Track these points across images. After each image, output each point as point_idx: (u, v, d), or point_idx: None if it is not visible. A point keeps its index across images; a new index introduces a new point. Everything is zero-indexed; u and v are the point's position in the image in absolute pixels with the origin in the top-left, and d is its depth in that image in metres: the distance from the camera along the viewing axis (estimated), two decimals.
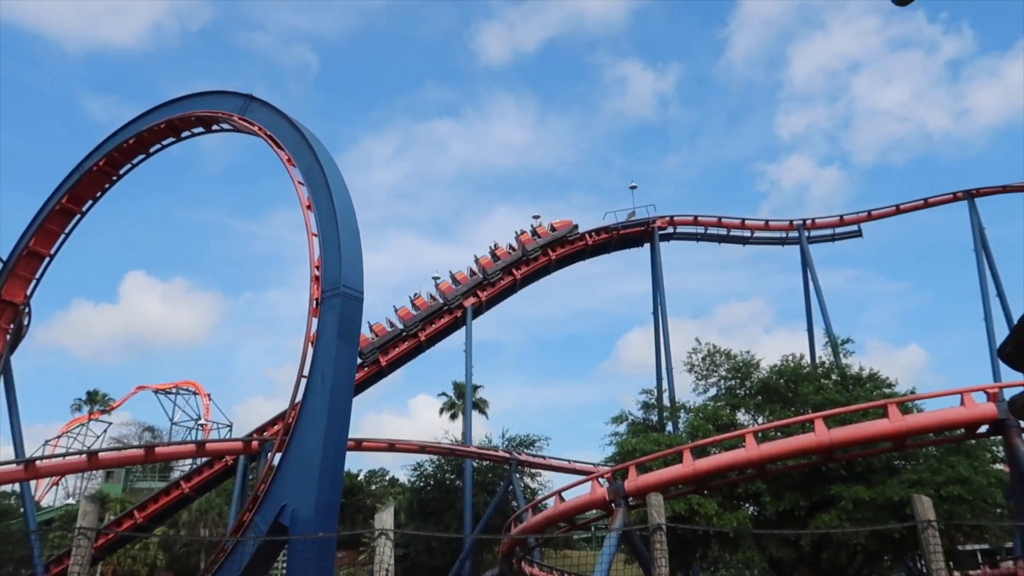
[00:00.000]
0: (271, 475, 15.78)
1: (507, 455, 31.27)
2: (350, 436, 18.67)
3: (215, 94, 23.15)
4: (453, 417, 60.65)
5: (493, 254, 35.77)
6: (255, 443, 25.35)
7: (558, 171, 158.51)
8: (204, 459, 28.73)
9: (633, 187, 38.82)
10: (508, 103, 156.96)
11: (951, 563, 19.78)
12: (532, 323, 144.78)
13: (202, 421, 56.78)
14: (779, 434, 16.80)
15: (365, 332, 32.79)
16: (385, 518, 5.66)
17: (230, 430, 56.99)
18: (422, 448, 30.36)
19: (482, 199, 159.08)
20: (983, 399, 13.65)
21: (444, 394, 59.52)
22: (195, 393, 59.58)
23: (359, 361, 32.26)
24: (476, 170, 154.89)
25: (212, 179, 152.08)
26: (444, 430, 46.74)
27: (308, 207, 17.96)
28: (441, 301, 34.08)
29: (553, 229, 36.58)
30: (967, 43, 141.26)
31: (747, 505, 19.40)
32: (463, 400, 58.88)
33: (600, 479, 16.46)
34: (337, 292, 15.82)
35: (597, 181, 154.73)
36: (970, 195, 34.87)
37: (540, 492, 38.47)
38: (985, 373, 33.85)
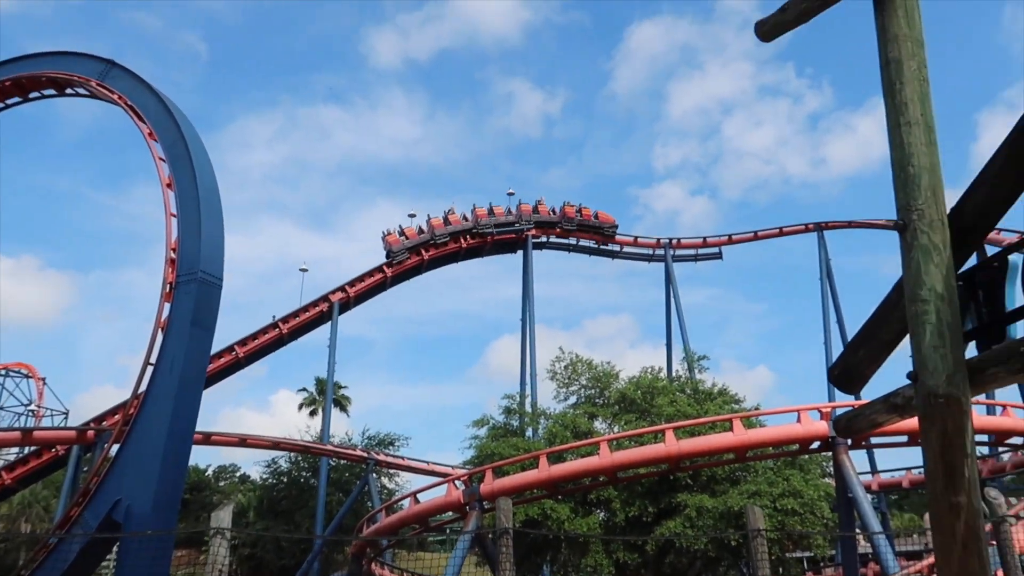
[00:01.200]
0: (107, 467, 14.71)
1: (365, 454, 30.72)
2: (199, 429, 17.73)
3: (72, 55, 21.38)
4: (313, 414, 58.80)
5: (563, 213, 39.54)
6: (91, 433, 23.60)
7: (445, 170, 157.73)
8: (31, 448, 26.42)
9: (511, 194, 39.32)
10: (398, 95, 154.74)
11: (781, 569, 21.15)
12: (404, 321, 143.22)
13: (33, 407, 52.18)
14: (633, 443, 17.36)
15: (396, 235, 35.76)
16: (223, 516, 5.35)
17: (65, 418, 52.68)
18: (276, 444, 29.32)
19: (364, 191, 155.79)
20: (817, 417, 14.65)
21: (304, 389, 57.70)
22: (28, 376, 54.69)
23: (388, 259, 35.01)
24: (360, 161, 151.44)
25: (71, 144, 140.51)
26: (306, 426, 45.18)
27: (168, 185, 16.93)
28: (471, 223, 37.16)
29: (596, 218, 39.57)
30: (827, 98, 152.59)
31: (598, 511, 19.92)
32: (324, 396, 57.54)
33: (456, 482, 16.43)
34: (194, 277, 14.98)
35: (483, 183, 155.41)
36: (820, 227, 37.62)
37: (398, 493, 38.06)
38: (822, 394, 36.55)
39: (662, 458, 14.55)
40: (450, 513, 16.99)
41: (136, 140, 19.26)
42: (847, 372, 4.15)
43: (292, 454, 36.98)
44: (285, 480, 39.25)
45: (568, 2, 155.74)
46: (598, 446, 15.30)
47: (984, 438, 18.90)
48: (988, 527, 11.29)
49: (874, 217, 37.56)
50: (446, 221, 36.75)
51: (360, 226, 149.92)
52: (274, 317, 32.21)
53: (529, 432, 24.68)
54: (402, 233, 35.78)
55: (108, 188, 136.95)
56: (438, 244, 36.20)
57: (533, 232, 37.09)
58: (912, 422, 13.26)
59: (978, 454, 23.88)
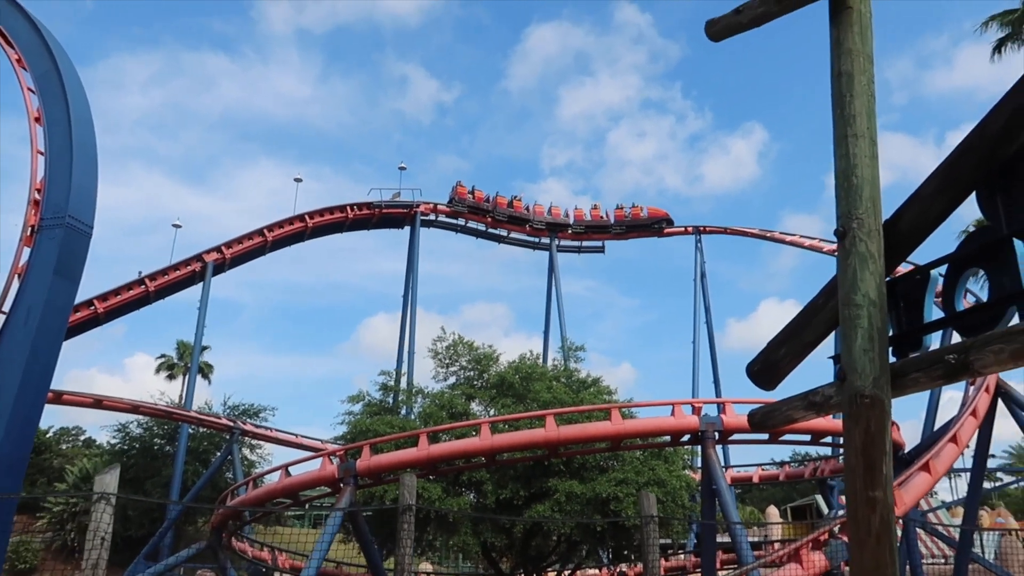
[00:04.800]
0: None
1: (230, 423, 29.49)
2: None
3: None
4: (171, 378, 56.17)
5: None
6: None
7: (334, 134, 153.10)
8: None
9: (402, 168, 38.92)
10: (291, 52, 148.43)
11: (634, 556, 21.99)
12: (275, 288, 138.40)
13: None
14: (508, 427, 17.56)
15: (467, 190, 39.44)
16: (108, 480, 4.96)
17: None
18: (135, 408, 27.65)
19: (246, 148, 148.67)
20: (689, 411, 15.34)
21: (164, 355, 54.90)
22: None
23: (448, 202, 38.36)
24: (245, 115, 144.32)
25: None
26: (160, 392, 42.82)
27: (36, 119, 15.50)
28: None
29: (648, 215, 41.02)
30: (707, 120, 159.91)
31: (468, 493, 20.04)
32: (184, 360, 54.82)
33: (331, 456, 16.10)
34: (60, 222, 13.77)
35: (373, 153, 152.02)
36: (698, 231, 39.35)
37: (259, 465, 36.86)
38: (683, 391, 38.34)
39: (541, 443, 14.81)
40: (321, 488, 16.62)
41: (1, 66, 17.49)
42: (767, 369, 4.31)
43: (145, 420, 35.10)
44: (137, 447, 37.14)
45: None
46: (479, 428, 15.38)
47: (829, 439, 20.39)
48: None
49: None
50: (510, 204, 39.38)
51: (240, 184, 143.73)
52: (140, 273, 30.29)
53: (404, 411, 24.48)
54: (472, 192, 38.75)
55: None
56: (496, 217, 38.82)
57: (423, 209, 36.74)
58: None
59: (826, 455, 25.83)
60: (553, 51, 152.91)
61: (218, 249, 31.59)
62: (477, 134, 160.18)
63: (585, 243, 40.51)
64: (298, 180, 37.72)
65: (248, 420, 33.51)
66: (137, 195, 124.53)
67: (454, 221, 38.63)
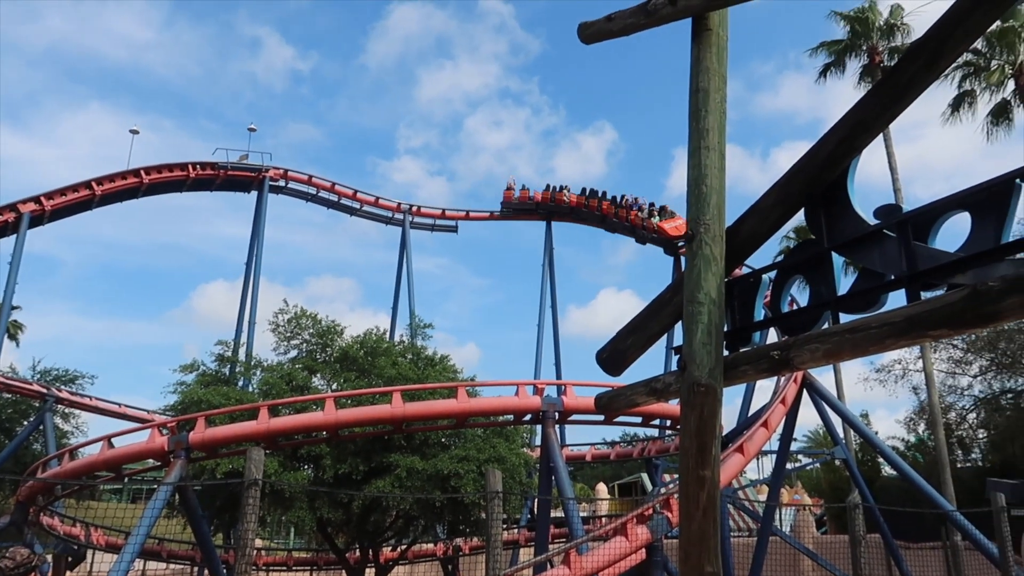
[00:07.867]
0: None
1: (43, 390, 27.14)
2: None
3: None
4: None
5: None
6: None
7: (178, 86, 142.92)
8: None
9: (252, 129, 37.20)
10: None
11: (469, 530, 22.52)
12: (101, 244, 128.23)
13: None
14: (350, 402, 17.40)
15: (513, 192, 40.09)
16: None
17: None
18: None
19: (75, 90, 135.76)
20: (532, 392, 15.90)
21: None
22: None
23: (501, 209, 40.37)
24: (74, 53, 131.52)
25: None
26: None
27: None
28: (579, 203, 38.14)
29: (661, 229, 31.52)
30: (561, 116, 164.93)
31: (306, 467, 19.69)
32: None
33: (162, 428, 15.31)
34: None
35: (221, 111, 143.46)
36: (548, 216, 40.23)
37: (73, 436, 34.27)
38: (525, 372, 39.40)
39: (387, 419, 14.85)
40: (150, 461, 15.79)
41: None
42: (614, 356, 4.64)
43: None
44: None
45: None
46: (322, 402, 15.17)
47: (658, 422, 21.82)
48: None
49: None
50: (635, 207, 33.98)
51: (65, 129, 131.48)
52: None
53: (241, 382, 23.61)
54: (519, 193, 39.43)
55: None
56: (552, 210, 38.62)
57: (272, 174, 35.26)
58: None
59: (654, 436, 27.53)
60: (415, 31, 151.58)
61: (37, 200, 28.73)
62: (333, 106, 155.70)
63: (438, 222, 40.40)
64: (134, 131, 35.12)
65: (63, 387, 31.01)
66: None
67: (306, 189, 37.31)
